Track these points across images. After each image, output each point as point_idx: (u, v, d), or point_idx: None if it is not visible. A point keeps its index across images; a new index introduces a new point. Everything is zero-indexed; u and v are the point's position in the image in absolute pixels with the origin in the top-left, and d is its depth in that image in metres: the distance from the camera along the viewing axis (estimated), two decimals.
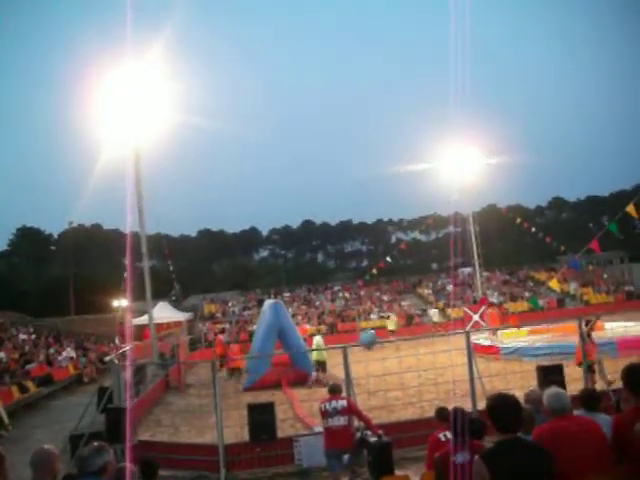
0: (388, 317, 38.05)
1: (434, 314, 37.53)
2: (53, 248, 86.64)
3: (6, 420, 17.10)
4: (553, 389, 5.02)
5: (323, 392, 11.02)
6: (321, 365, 20.94)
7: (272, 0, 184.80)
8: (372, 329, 34.56)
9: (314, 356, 21.05)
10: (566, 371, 10.68)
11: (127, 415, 10.21)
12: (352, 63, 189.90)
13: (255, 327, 30.76)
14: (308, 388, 19.09)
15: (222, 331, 33.33)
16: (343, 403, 8.83)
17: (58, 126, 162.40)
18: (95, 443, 4.32)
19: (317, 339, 23.52)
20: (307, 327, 37.61)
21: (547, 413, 4.86)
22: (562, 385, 9.23)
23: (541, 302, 39.97)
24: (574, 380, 11.35)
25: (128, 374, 13.29)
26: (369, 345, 27.19)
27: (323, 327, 39.65)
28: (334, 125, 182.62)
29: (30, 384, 21.87)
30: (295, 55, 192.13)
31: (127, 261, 22.49)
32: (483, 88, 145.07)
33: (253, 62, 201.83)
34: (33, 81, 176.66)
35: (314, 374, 20.53)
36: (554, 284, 28.28)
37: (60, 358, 27.86)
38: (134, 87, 22.42)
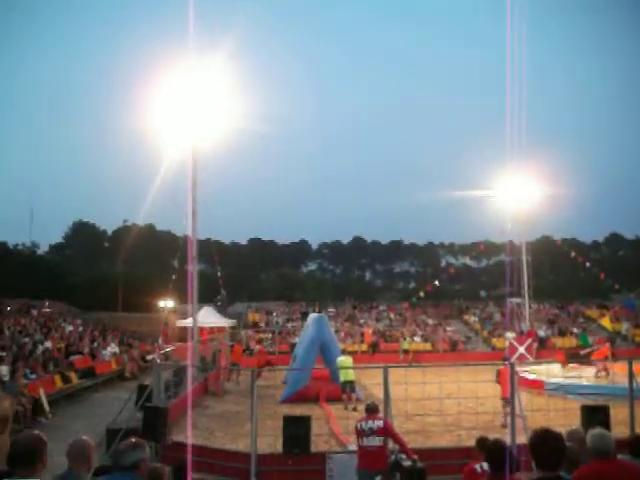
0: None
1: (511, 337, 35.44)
2: (106, 244, 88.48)
3: (47, 408, 17.46)
4: (598, 430, 4.86)
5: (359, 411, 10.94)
6: (349, 384, 18.99)
7: (341, 14, 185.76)
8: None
9: (341, 377, 19.25)
10: (612, 413, 10.36)
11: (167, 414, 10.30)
12: (415, 85, 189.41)
13: (297, 339, 30.78)
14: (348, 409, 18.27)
15: (260, 341, 33.50)
16: (379, 423, 8.73)
17: (121, 126, 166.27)
18: (133, 439, 4.34)
19: (341, 359, 20.48)
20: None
21: (589, 454, 4.70)
22: (607, 427, 8.96)
23: (591, 339, 38.95)
24: (620, 423, 11.00)
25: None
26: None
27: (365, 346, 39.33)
28: (392, 145, 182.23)
29: (73, 375, 22.28)
30: (357, 68, 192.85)
31: (188, 265, 22.75)
32: (543, 116, 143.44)
33: (314, 70, 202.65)
34: (97, 80, 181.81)
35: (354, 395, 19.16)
36: (606, 322, 27.50)
37: (104, 352, 28.32)
38: (196, 90, 22.81)
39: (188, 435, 12.04)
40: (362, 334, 42.14)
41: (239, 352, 29.00)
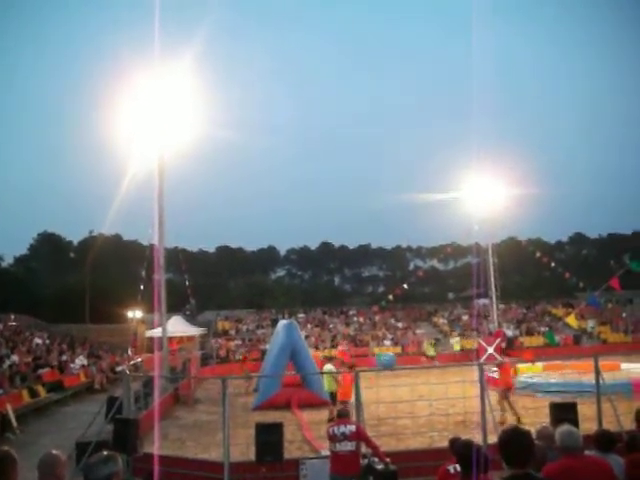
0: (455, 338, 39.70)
1: (456, 342, 37.36)
2: (72, 255, 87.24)
3: (14, 423, 17.16)
4: (566, 427, 4.95)
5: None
6: (332, 396, 18.16)
7: (312, 15, 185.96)
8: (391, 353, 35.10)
9: (326, 386, 18.93)
10: (580, 410, 10.52)
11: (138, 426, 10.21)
12: (383, 89, 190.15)
13: (268, 346, 30.71)
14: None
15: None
16: (352, 428, 8.73)
17: (84, 135, 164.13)
18: (105, 452, 4.28)
19: (328, 367, 19.91)
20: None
21: (558, 450, 4.79)
22: (575, 424, 9.09)
23: (557, 338, 39.54)
24: (587, 419, 11.18)
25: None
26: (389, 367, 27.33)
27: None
28: (357, 150, 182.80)
29: (41, 389, 21.95)
30: (324, 80, 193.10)
31: (155, 274, 22.58)
32: (508, 119, 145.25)
33: (294, 76, 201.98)
34: (62, 88, 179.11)
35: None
36: (572, 320, 27.95)
37: (72, 365, 27.93)
38: (162, 97, 22.67)
39: (155, 446, 11.96)
40: (334, 337, 42.26)
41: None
